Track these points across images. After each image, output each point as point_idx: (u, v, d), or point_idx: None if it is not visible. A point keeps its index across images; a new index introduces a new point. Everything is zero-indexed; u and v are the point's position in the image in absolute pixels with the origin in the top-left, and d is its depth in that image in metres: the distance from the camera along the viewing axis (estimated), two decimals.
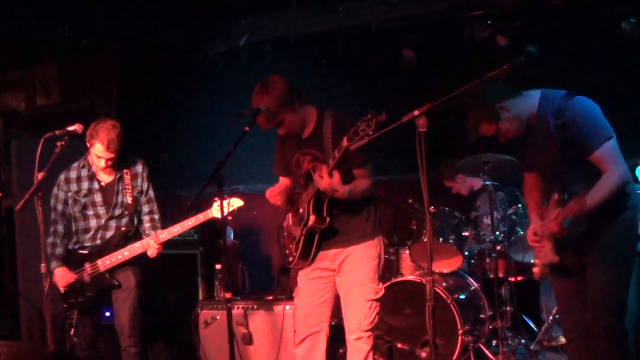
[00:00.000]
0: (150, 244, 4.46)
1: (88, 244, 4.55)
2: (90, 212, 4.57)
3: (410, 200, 5.38)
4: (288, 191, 4.05)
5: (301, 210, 3.84)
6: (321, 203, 3.72)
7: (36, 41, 6.61)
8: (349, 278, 3.85)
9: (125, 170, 4.59)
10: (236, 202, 4.53)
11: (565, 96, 3.36)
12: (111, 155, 4.41)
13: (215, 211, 4.43)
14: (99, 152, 4.40)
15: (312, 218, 3.71)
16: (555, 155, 3.38)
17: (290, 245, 3.93)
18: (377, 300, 3.85)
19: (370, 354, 3.83)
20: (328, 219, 3.73)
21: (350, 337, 3.85)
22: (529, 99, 3.43)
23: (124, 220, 4.57)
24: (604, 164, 3.27)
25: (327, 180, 3.54)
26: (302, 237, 3.80)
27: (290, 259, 3.92)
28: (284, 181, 4.10)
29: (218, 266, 5.53)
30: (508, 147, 3.56)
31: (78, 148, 4.63)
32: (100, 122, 4.42)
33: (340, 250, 3.86)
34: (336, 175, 3.55)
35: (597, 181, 3.27)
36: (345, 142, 3.39)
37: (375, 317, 3.86)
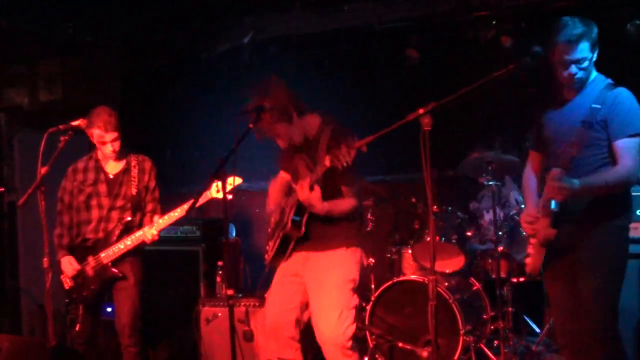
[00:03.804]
0: (150, 230, 4.43)
1: (90, 236, 4.54)
2: (93, 202, 4.55)
3: (413, 200, 5.37)
4: (286, 188, 4.01)
5: (284, 213, 3.82)
6: (302, 211, 3.68)
7: (39, 37, 6.62)
8: (316, 284, 3.76)
9: (133, 164, 4.59)
10: (235, 180, 4.30)
11: (609, 84, 3.41)
12: (113, 135, 4.39)
13: (214, 192, 4.31)
14: (100, 137, 4.39)
15: (289, 224, 3.70)
16: (578, 136, 3.34)
17: (270, 243, 3.90)
18: (349, 310, 3.71)
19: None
20: (304, 228, 3.69)
21: (324, 347, 3.73)
22: (592, 71, 3.45)
23: (126, 212, 4.56)
24: (621, 156, 3.28)
25: (306, 193, 3.51)
26: (279, 239, 3.78)
27: (266, 256, 3.89)
28: (283, 175, 4.07)
29: (220, 263, 5.53)
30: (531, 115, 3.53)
31: (81, 143, 4.63)
32: (91, 111, 4.43)
33: (310, 254, 3.79)
34: (317, 190, 3.52)
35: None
36: (327, 162, 3.39)
37: (348, 327, 3.68)
